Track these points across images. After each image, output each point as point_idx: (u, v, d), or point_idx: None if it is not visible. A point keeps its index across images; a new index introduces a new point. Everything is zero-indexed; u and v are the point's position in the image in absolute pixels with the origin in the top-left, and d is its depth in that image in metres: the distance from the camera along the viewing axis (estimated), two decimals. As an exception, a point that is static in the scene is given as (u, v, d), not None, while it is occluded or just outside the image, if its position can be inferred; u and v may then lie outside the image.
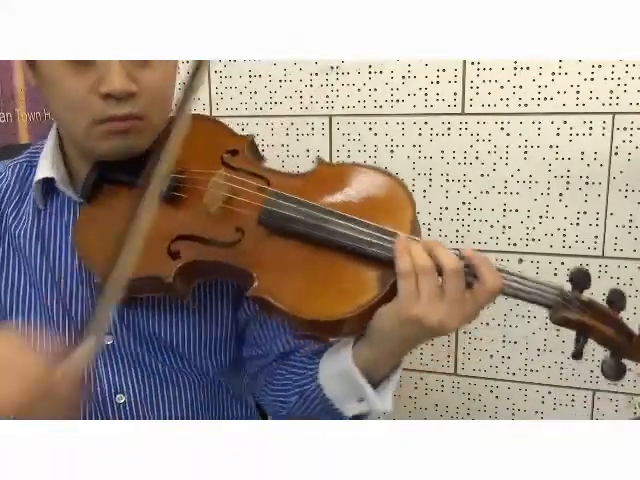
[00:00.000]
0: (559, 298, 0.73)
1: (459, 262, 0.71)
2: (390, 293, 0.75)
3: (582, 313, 0.73)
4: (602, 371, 0.75)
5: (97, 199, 0.88)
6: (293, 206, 0.79)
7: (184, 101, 0.75)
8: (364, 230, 0.76)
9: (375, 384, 0.79)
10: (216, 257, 0.79)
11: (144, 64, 0.80)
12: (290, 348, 0.90)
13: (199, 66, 0.75)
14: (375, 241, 0.75)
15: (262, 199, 0.80)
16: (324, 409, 0.83)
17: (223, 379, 0.95)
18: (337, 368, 0.80)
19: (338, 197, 0.82)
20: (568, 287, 0.76)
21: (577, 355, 0.75)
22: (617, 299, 0.75)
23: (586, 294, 0.76)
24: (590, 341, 0.76)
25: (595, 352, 0.78)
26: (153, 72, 0.81)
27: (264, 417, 1.14)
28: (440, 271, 0.71)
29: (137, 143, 0.83)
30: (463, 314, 0.72)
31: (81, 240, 0.85)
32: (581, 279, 0.75)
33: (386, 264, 0.75)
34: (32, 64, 0.82)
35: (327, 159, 1.39)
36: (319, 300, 0.76)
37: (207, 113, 1.46)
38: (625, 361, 0.76)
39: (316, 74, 1.37)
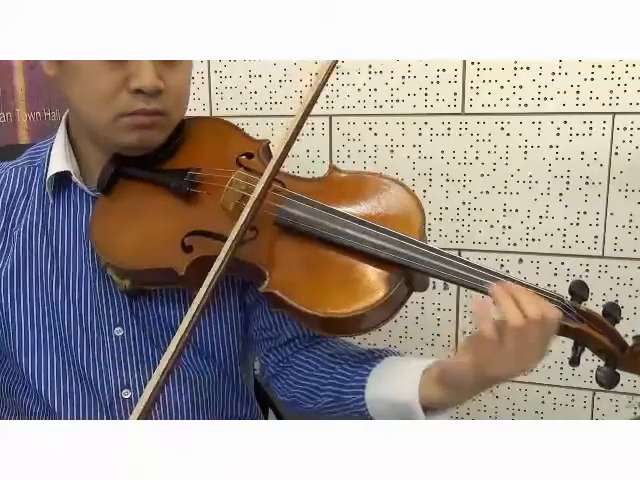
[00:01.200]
0: (559, 307, 0.75)
1: (539, 309, 0.71)
2: (397, 294, 0.77)
3: (580, 322, 0.76)
4: (596, 379, 0.77)
5: (113, 192, 0.90)
6: (308, 207, 0.82)
7: (314, 99, 0.80)
8: (375, 233, 0.78)
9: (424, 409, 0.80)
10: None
11: (171, 64, 0.84)
12: (304, 333, 0.92)
13: (332, 67, 0.80)
14: (385, 244, 0.77)
15: (278, 199, 0.83)
16: (359, 418, 0.85)
17: (229, 371, 0.95)
18: (394, 397, 0.80)
19: (349, 201, 0.84)
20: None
21: (574, 362, 0.77)
22: (613, 312, 0.78)
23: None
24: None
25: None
26: (178, 72, 0.85)
27: (266, 414, 1.14)
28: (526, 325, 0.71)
29: (156, 137, 0.88)
30: (540, 354, 0.73)
31: (97, 232, 0.87)
32: (580, 291, 0.78)
33: (394, 266, 0.77)
34: None
35: (327, 159, 1.39)
36: (329, 298, 0.78)
37: (207, 113, 1.46)
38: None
39: (316, 74, 1.37)
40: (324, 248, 0.80)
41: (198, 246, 0.82)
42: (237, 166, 0.89)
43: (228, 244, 0.73)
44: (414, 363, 0.83)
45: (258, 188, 0.76)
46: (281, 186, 0.86)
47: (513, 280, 0.76)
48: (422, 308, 1.40)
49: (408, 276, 0.78)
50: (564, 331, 0.76)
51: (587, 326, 0.76)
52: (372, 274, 0.78)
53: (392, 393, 0.81)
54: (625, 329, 1.27)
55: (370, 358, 0.88)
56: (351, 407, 0.85)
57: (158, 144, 0.89)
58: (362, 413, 0.84)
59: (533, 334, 0.70)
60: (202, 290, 0.70)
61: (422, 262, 0.76)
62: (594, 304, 1.27)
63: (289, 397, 0.93)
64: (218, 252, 0.78)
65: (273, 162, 0.78)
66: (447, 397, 0.78)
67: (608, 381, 0.77)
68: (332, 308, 0.76)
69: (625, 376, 0.79)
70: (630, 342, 0.78)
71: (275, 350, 0.94)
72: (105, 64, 0.80)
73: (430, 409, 0.80)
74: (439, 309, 1.39)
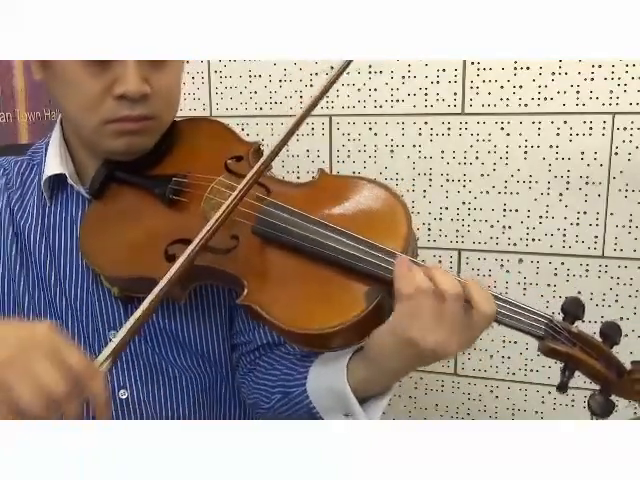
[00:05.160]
0: (548, 329, 0.71)
1: (459, 286, 0.70)
2: (376, 309, 0.74)
3: (571, 345, 0.71)
4: (589, 407, 0.71)
5: (104, 197, 0.89)
6: (288, 217, 0.79)
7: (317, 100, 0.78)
8: (356, 246, 0.75)
9: (365, 400, 0.79)
10: (210, 263, 0.79)
11: (157, 67, 0.82)
12: (273, 340, 0.92)
13: (345, 66, 0.78)
14: (366, 257, 0.75)
15: (258, 208, 0.81)
16: (306, 413, 0.84)
17: (224, 372, 0.95)
18: (328, 383, 0.80)
19: (335, 210, 0.82)
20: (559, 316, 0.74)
21: (562, 388, 0.72)
22: (612, 333, 0.73)
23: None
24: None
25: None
26: (165, 75, 0.83)
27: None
28: (440, 295, 0.69)
29: (145, 143, 0.86)
30: (460, 339, 0.71)
31: (85, 238, 0.86)
32: (574, 310, 0.74)
33: (375, 280, 0.74)
34: (45, 61, 0.82)
35: (327, 159, 1.39)
36: (307, 313, 0.75)
37: (207, 113, 1.46)
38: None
39: (316, 74, 1.37)
40: (303, 260, 0.78)
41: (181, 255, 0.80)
42: (225, 170, 0.87)
43: (189, 250, 0.72)
44: (347, 350, 0.81)
45: (229, 200, 0.75)
46: (266, 191, 0.84)
47: (501, 303, 0.72)
48: (422, 308, 1.39)
49: (389, 289, 0.74)
50: (553, 354, 0.72)
51: (579, 350, 0.71)
52: (351, 288, 0.75)
53: (325, 378, 0.80)
54: (625, 329, 1.27)
55: (316, 352, 0.87)
56: (297, 401, 0.84)
57: (147, 149, 0.87)
58: (307, 406, 0.83)
59: (450, 304, 0.69)
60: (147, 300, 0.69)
61: None
62: (594, 304, 1.28)
63: (251, 399, 0.92)
64: (202, 262, 0.76)
65: (247, 177, 0.76)
66: (372, 372, 0.76)
67: (602, 410, 0.70)
68: (309, 324, 0.74)
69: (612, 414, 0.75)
70: (628, 365, 0.73)
71: (246, 355, 0.93)
72: (89, 69, 0.79)
73: (367, 398, 0.79)
74: (439, 309, 1.38)
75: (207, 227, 0.73)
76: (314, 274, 0.77)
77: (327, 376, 0.80)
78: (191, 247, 0.72)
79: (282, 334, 0.79)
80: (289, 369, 0.87)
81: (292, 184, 0.89)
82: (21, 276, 0.88)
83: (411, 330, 0.70)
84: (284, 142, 0.79)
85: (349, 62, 0.79)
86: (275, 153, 0.78)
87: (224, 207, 0.74)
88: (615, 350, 0.74)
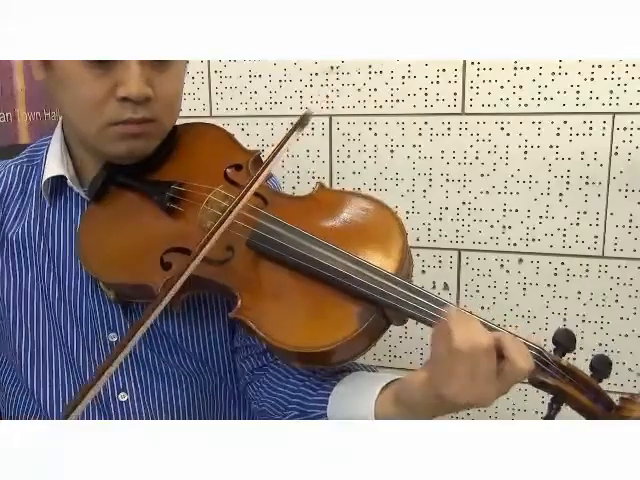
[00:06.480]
0: (537, 360, 0.71)
1: (491, 339, 0.68)
2: (369, 330, 0.74)
3: (560, 378, 0.71)
4: None
5: (103, 200, 0.89)
6: (283, 232, 0.79)
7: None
8: (350, 265, 0.75)
9: None
10: (205, 273, 0.79)
11: (160, 70, 0.82)
12: None
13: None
14: (360, 278, 0.74)
15: (254, 222, 0.80)
16: None
17: (225, 374, 0.95)
18: (353, 414, 0.78)
19: (331, 226, 0.82)
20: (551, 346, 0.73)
21: (549, 419, 0.71)
22: (601, 367, 0.72)
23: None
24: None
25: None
26: (168, 78, 0.83)
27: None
28: (475, 354, 0.67)
29: (147, 146, 0.86)
30: (495, 391, 0.69)
31: (83, 242, 0.86)
32: (565, 342, 0.73)
33: (368, 300, 0.74)
34: (47, 62, 0.82)
35: (327, 159, 1.39)
36: (297, 331, 0.75)
37: (207, 113, 1.46)
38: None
39: (316, 74, 1.37)
40: (297, 276, 0.77)
41: (177, 264, 0.79)
42: (223, 179, 0.87)
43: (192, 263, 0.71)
44: (374, 380, 0.80)
45: (226, 214, 0.74)
46: (263, 203, 0.84)
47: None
48: (422, 308, 1.39)
49: (382, 310, 0.75)
50: (541, 386, 0.71)
51: (568, 383, 0.70)
52: (344, 308, 0.74)
53: (350, 411, 0.79)
54: (625, 329, 1.27)
55: (337, 371, 0.86)
56: (317, 420, 0.83)
57: (148, 152, 0.87)
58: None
59: (484, 362, 0.68)
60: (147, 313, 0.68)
61: (395, 299, 0.73)
62: (594, 304, 1.28)
63: (260, 406, 0.91)
64: (196, 272, 0.75)
65: (241, 193, 0.76)
66: (402, 415, 0.75)
67: None
68: (300, 342, 0.74)
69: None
70: (616, 398, 0.72)
71: (252, 357, 0.93)
72: (92, 71, 0.79)
73: None
74: (439, 309, 1.38)
75: (203, 242, 0.73)
76: (307, 291, 0.77)
77: (353, 408, 0.79)
78: (186, 267, 0.72)
79: (273, 350, 0.79)
80: (307, 387, 0.85)
81: (289, 197, 0.89)
82: (24, 276, 0.88)
83: (445, 389, 0.69)
84: (276, 156, 0.78)
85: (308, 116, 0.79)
86: (271, 165, 0.78)
87: (218, 223, 0.74)
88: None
